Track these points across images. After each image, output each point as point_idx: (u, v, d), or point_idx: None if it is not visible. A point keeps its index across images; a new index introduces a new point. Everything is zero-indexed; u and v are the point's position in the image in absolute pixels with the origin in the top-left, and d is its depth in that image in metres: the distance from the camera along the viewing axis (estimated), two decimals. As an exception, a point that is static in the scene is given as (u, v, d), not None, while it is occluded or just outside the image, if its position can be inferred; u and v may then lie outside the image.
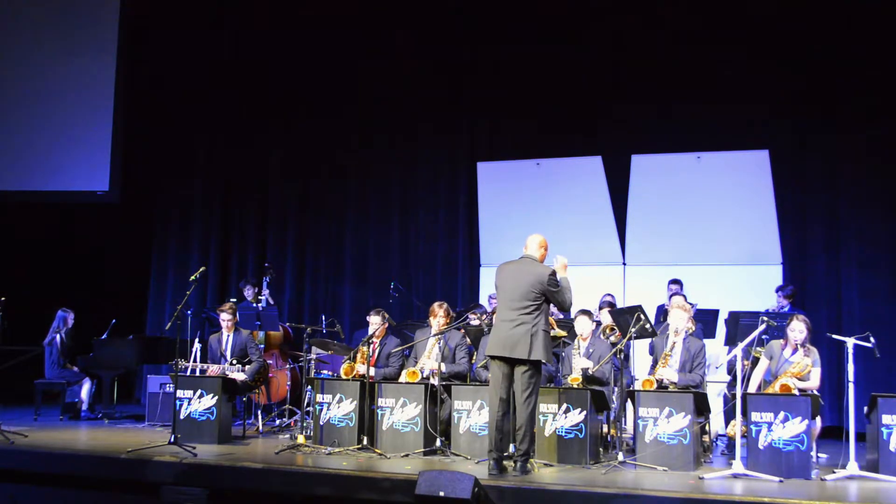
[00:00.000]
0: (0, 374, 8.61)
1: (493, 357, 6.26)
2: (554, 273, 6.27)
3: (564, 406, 6.75)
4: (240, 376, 8.05)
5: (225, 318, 8.29)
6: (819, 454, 6.97)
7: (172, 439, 6.94)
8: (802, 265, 9.89)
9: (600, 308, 8.75)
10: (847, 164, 9.79)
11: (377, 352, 7.85)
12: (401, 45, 11.48)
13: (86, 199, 11.83)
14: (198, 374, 8.13)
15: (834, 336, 6.81)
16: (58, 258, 11.97)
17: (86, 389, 9.74)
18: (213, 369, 8.08)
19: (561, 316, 8.86)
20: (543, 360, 6.23)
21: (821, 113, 9.92)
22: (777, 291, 8.88)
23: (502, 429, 6.21)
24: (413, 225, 11.60)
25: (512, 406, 6.27)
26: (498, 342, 6.22)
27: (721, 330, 8.74)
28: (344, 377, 7.59)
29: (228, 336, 8.31)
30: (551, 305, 6.39)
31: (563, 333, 7.78)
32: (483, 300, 10.09)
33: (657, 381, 7.06)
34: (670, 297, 8.90)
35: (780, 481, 5.95)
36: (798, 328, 6.80)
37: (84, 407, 9.70)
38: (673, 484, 5.91)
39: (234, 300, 10.17)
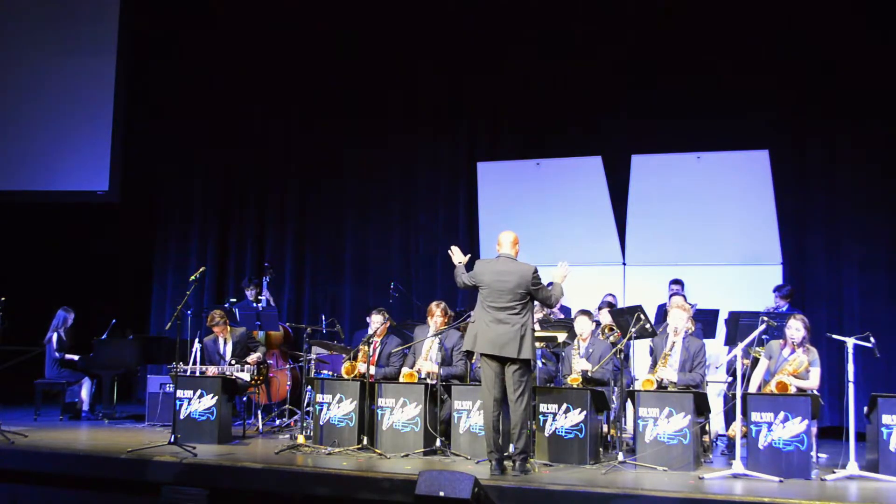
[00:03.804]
0: (0, 374, 8.61)
1: (483, 355, 6.26)
2: (536, 270, 6.30)
3: (564, 406, 6.75)
4: (244, 376, 8.06)
5: (217, 330, 8.30)
6: (819, 454, 6.97)
7: (172, 439, 6.95)
8: (802, 265, 9.88)
9: (600, 308, 8.75)
10: (847, 164, 9.79)
11: (378, 351, 7.85)
12: (401, 45, 11.48)
13: (86, 199, 11.83)
14: (197, 374, 8.13)
15: (834, 336, 6.80)
16: (58, 258, 11.96)
17: (86, 389, 9.74)
18: (211, 370, 8.08)
19: (562, 315, 8.87)
20: (532, 359, 6.25)
21: (821, 113, 9.91)
22: (774, 292, 8.87)
23: (499, 429, 6.22)
24: (413, 225, 11.59)
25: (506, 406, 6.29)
26: (487, 341, 6.22)
27: (721, 330, 8.74)
28: (345, 376, 7.60)
29: (226, 339, 8.31)
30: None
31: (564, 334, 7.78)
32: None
33: (657, 381, 7.06)
34: (671, 296, 8.89)
35: (780, 481, 5.96)
36: (795, 327, 6.80)
37: (84, 407, 9.70)
38: (673, 484, 5.92)
39: (234, 300, 10.19)
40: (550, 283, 6.50)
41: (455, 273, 6.67)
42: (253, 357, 8.19)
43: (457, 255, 6.70)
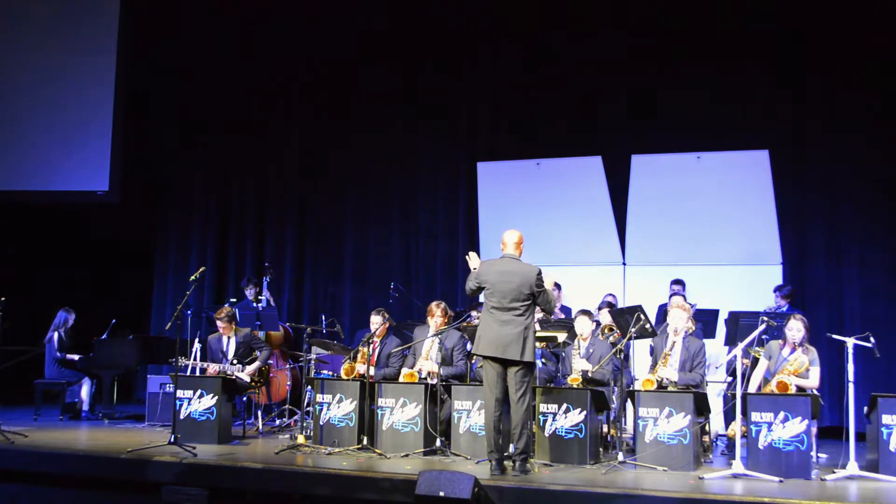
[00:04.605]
0: (0, 374, 8.61)
1: (485, 357, 6.25)
2: (540, 272, 6.28)
3: (564, 406, 6.75)
4: (244, 376, 8.06)
5: (221, 325, 8.31)
6: (819, 454, 6.97)
7: (172, 439, 6.95)
8: (802, 265, 9.88)
9: (600, 308, 8.75)
10: (847, 164, 9.78)
11: (377, 351, 7.85)
12: (401, 45, 11.48)
13: (86, 199, 11.82)
14: (198, 373, 8.13)
15: (834, 336, 6.80)
16: (58, 258, 11.96)
17: (86, 389, 9.74)
18: (212, 369, 8.09)
19: (562, 315, 8.87)
20: (534, 361, 6.25)
21: (821, 113, 9.91)
22: (775, 291, 8.88)
23: (500, 429, 6.22)
24: (413, 225, 11.59)
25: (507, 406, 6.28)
26: (489, 342, 6.22)
27: (721, 330, 8.74)
28: (344, 377, 7.59)
29: (229, 338, 8.32)
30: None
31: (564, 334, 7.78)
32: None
33: (657, 380, 7.06)
34: (671, 296, 8.89)
35: (780, 481, 5.96)
36: (795, 327, 6.81)
37: (84, 407, 9.70)
38: (673, 484, 5.92)
39: (234, 300, 10.18)
40: None
41: (468, 278, 6.62)
42: (252, 367, 8.19)
43: (473, 261, 6.67)
